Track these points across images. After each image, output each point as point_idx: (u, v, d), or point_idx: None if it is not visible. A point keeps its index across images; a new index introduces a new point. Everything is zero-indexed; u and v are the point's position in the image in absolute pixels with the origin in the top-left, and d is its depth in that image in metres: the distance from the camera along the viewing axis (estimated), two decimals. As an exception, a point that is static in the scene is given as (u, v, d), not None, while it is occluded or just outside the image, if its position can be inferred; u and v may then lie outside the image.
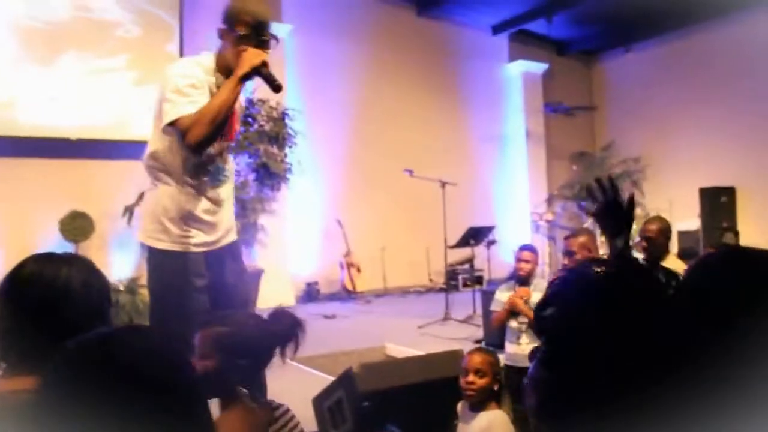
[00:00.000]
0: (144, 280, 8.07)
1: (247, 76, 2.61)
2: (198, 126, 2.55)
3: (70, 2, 8.11)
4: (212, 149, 2.74)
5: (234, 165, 2.98)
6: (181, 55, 8.50)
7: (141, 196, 7.72)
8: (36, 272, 1.51)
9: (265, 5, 2.76)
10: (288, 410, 2.06)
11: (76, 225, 7.85)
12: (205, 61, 2.76)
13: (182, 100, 2.59)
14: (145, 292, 7.72)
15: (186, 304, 2.72)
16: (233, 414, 1.91)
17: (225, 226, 2.87)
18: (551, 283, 0.98)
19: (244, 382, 1.95)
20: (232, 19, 2.69)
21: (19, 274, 1.52)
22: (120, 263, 8.24)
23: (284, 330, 2.01)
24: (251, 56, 2.60)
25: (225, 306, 2.75)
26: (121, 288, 7.91)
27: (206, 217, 2.79)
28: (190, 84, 2.63)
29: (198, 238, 2.77)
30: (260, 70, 2.61)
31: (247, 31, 2.65)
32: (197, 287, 2.73)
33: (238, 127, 2.92)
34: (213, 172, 2.81)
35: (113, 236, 8.21)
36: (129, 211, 7.91)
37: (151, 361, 1.02)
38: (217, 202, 2.82)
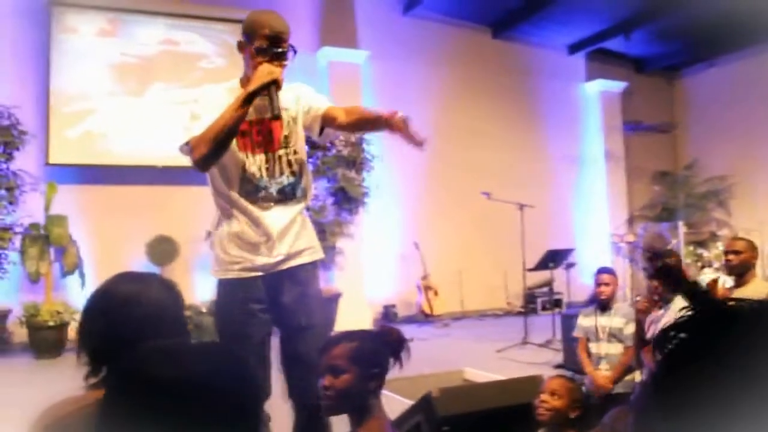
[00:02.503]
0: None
1: (254, 94, 2.56)
2: (200, 144, 2.58)
3: (158, 37, 8.52)
4: (252, 166, 2.69)
5: (307, 183, 2.84)
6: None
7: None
8: (134, 292, 1.57)
9: (281, 18, 2.71)
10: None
11: (162, 249, 8.15)
12: (233, 84, 2.78)
13: (195, 124, 2.65)
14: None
15: (232, 330, 2.73)
16: (374, 425, 1.98)
17: (284, 250, 2.72)
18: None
19: (375, 393, 2.02)
20: (248, 31, 2.68)
21: (115, 293, 1.58)
22: (203, 286, 8.48)
23: (396, 341, 2.09)
24: (262, 73, 2.56)
25: (286, 329, 2.76)
26: (204, 310, 8.13)
27: (254, 239, 2.70)
28: (202, 107, 2.69)
29: (246, 263, 2.71)
30: (268, 89, 2.57)
31: (263, 43, 2.62)
32: (249, 311, 2.70)
33: (290, 135, 2.78)
34: (262, 190, 2.70)
35: (196, 259, 8.46)
36: (211, 235, 8.14)
37: (222, 377, 1.05)
38: (270, 217, 2.70)
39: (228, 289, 2.76)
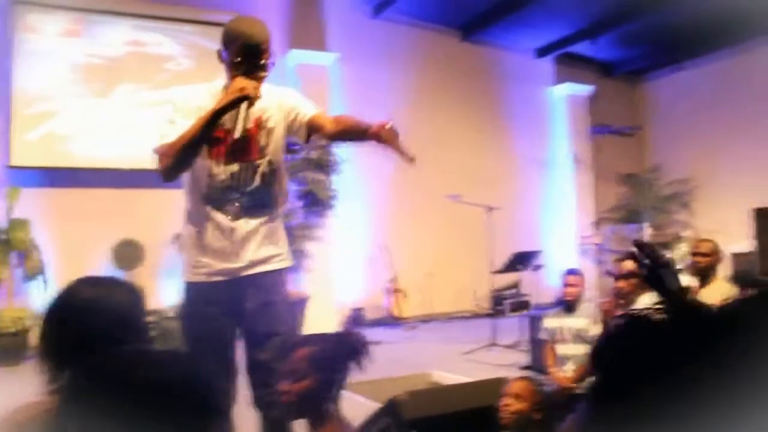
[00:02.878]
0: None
1: (222, 112, 2.50)
2: (165, 156, 2.56)
3: (125, 38, 8.41)
4: (221, 174, 2.65)
5: (279, 191, 2.80)
6: (229, 85, 8.70)
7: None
8: (95, 297, 1.55)
9: (261, 26, 2.60)
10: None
11: (128, 253, 8.04)
12: (216, 85, 2.71)
13: (168, 127, 2.61)
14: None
15: (196, 335, 2.73)
16: (334, 430, 1.97)
17: (248, 257, 2.70)
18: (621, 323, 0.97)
19: (333, 398, 2.01)
20: (225, 40, 2.61)
21: (76, 298, 1.56)
22: (169, 290, 8.39)
23: (357, 345, 2.08)
24: (233, 89, 2.49)
25: (249, 336, 2.74)
26: (170, 315, 8.04)
27: (218, 245, 2.68)
28: (177, 108, 2.64)
29: (210, 268, 2.70)
30: (239, 105, 2.50)
31: (239, 55, 2.54)
32: (212, 315, 2.69)
33: (268, 145, 2.72)
34: (229, 199, 2.68)
35: (162, 264, 8.37)
36: (178, 239, 8.06)
37: (181, 385, 1.06)
38: (235, 224, 2.68)
39: (192, 292, 2.76)
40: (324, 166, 8.44)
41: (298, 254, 8.23)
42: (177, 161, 2.55)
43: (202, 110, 2.56)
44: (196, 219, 2.73)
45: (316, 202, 8.34)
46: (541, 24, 10.58)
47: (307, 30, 9.46)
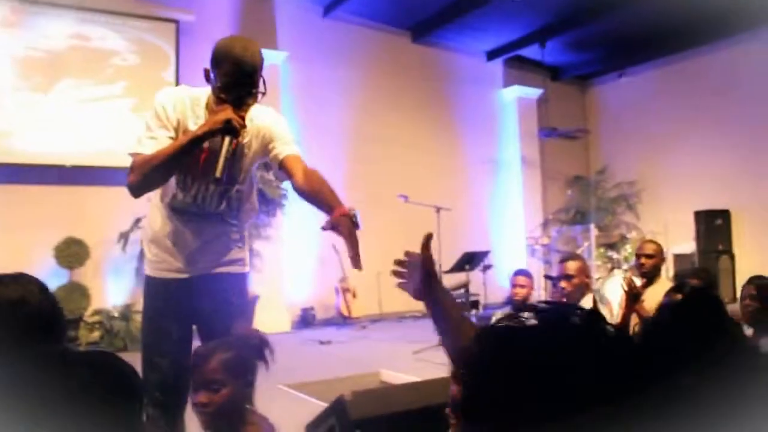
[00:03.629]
0: (137, 306, 8.07)
1: (201, 140, 2.40)
2: (136, 171, 2.47)
3: (69, 31, 8.18)
4: (189, 191, 2.62)
5: (245, 212, 2.80)
6: (177, 81, 8.56)
7: (136, 222, 7.76)
8: (9, 298, 1.52)
9: (253, 50, 2.45)
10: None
11: (71, 251, 7.84)
12: (199, 94, 2.60)
13: (145, 134, 2.52)
14: (138, 318, 7.70)
15: (153, 327, 2.74)
16: (252, 430, 1.94)
17: (203, 261, 2.70)
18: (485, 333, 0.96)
19: (251, 399, 1.98)
20: (213, 61, 2.46)
21: None
22: (115, 290, 8.23)
23: (260, 343, 2.05)
24: (215, 120, 2.37)
25: (203, 335, 2.73)
26: (116, 314, 7.90)
27: (176, 247, 2.68)
28: (155, 115, 2.53)
29: (165, 263, 2.71)
30: (219, 135, 2.37)
31: (227, 80, 2.41)
32: (168, 310, 2.69)
33: (239, 172, 2.67)
34: (192, 209, 2.67)
35: (108, 263, 8.20)
36: (124, 237, 7.91)
37: (100, 382, 1.06)
38: (194, 233, 2.68)
39: (151, 286, 2.77)
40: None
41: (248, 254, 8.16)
42: (147, 180, 2.48)
43: (180, 124, 2.51)
44: (160, 218, 2.71)
45: (265, 201, 8.27)
46: (491, 27, 10.69)
47: (257, 27, 9.36)
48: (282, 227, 8.93)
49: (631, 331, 3.90)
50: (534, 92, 12.10)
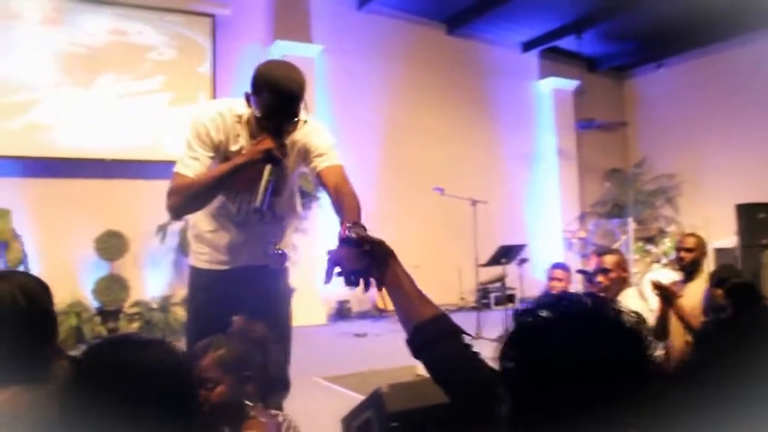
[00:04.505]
0: (176, 298, 8.17)
1: (241, 168, 2.41)
2: (176, 196, 2.50)
3: (108, 27, 8.30)
4: (233, 204, 2.69)
5: (289, 213, 2.87)
6: (213, 75, 8.64)
7: (174, 215, 7.85)
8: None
9: (294, 77, 2.39)
10: (287, 418, 2.08)
11: (111, 244, 7.97)
12: (241, 108, 2.55)
13: (187, 153, 2.53)
14: (176, 310, 7.80)
15: (197, 316, 2.82)
16: (253, 425, 1.92)
17: (246, 253, 2.76)
18: (510, 334, 0.99)
19: (251, 395, 1.97)
20: (254, 86, 2.40)
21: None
22: (153, 281, 8.34)
23: (260, 337, 2.04)
24: (257, 148, 2.37)
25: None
26: (154, 306, 8.01)
27: (224, 242, 2.76)
28: (197, 135, 2.53)
29: (212, 257, 2.79)
30: (260, 165, 2.37)
31: (266, 109, 2.37)
32: (210, 298, 2.77)
33: (285, 184, 2.73)
34: (239, 215, 2.73)
35: (147, 255, 8.31)
36: (162, 230, 8.02)
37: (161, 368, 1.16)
38: (238, 233, 2.74)
39: (196, 276, 2.86)
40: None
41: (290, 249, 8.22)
42: (186, 205, 2.55)
43: (222, 144, 2.54)
44: (205, 218, 2.78)
45: (301, 193, 8.29)
46: (527, 18, 10.58)
47: (293, 21, 9.40)
48: (317, 220, 8.96)
49: (670, 332, 3.84)
50: (570, 84, 11.96)
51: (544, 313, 0.95)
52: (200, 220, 2.81)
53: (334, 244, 1.95)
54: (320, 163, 2.63)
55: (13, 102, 7.79)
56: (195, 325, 2.81)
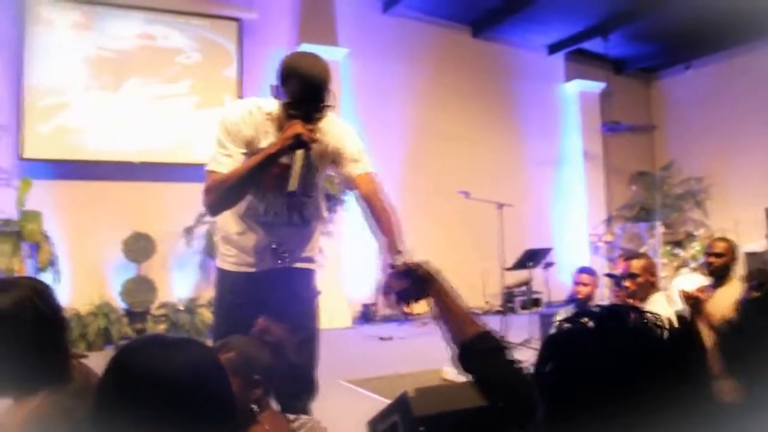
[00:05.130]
0: (202, 300, 8.23)
1: (276, 156, 2.44)
2: (212, 193, 2.52)
3: (136, 32, 8.41)
4: (261, 203, 2.68)
5: (315, 217, 2.86)
6: (240, 79, 8.70)
7: (200, 217, 7.92)
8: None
9: (320, 65, 2.44)
10: (308, 421, 2.06)
11: (139, 246, 8.05)
12: (269, 107, 2.58)
13: (219, 151, 2.54)
14: (203, 312, 7.86)
15: (225, 319, 2.81)
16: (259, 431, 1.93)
17: (273, 261, 2.76)
18: (548, 339, 0.99)
19: (260, 399, 1.96)
20: (281, 76, 2.45)
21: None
22: (180, 283, 8.41)
23: (275, 341, 2.03)
24: (289, 133, 2.39)
25: None
26: (181, 307, 8.07)
27: (250, 244, 2.75)
28: (228, 132, 2.54)
29: (239, 259, 2.78)
30: (292, 151, 2.41)
31: (295, 96, 2.41)
32: (235, 302, 2.76)
33: (312, 185, 2.71)
34: (266, 216, 2.73)
35: (173, 257, 8.39)
36: (189, 232, 8.09)
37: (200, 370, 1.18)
38: (266, 235, 2.74)
39: (223, 279, 2.86)
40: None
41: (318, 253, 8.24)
42: (223, 200, 2.56)
43: (253, 141, 2.55)
44: (233, 221, 2.78)
45: (327, 196, 8.32)
46: (552, 21, 10.52)
47: (318, 25, 9.44)
48: (343, 223, 8.97)
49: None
50: (597, 86, 11.87)
51: (585, 322, 0.95)
52: (228, 222, 2.81)
53: (380, 268, 2.02)
54: (354, 170, 2.67)
55: (44, 106, 7.92)
56: (222, 327, 2.80)
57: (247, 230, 2.76)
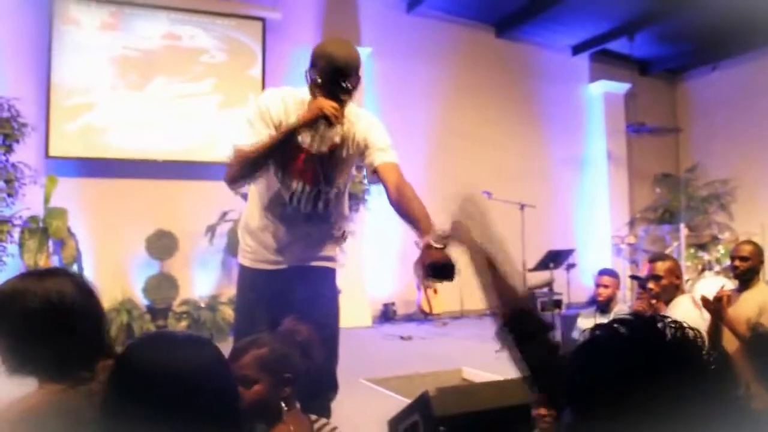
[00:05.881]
0: (223, 298, 8.27)
1: (298, 129, 2.51)
2: (234, 165, 2.57)
3: (161, 31, 8.49)
4: (287, 192, 2.71)
5: (339, 213, 2.90)
6: (263, 78, 8.75)
7: (223, 215, 7.97)
8: (19, 289, 1.54)
9: (347, 49, 2.57)
10: (327, 424, 2.06)
11: (162, 243, 8.12)
12: (302, 93, 2.67)
13: (247, 129, 2.60)
14: (224, 309, 7.91)
15: (245, 316, 2.85)
16: (283, 431, 1.93)
17: (293, 257, 2.79)
18: (577, 350, 0.98)
19: (288, 397, 1.96)
20: (312, 61, 2.58)
21: (3, 291, 1.55)
22: (202, 281, 8.47)
23: (306, 340, 2.03)
24: (312, 107, 2.50)
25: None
26: (203, 305, 8.13)
27: (271, 240, 2.77)
28: (259, 114, 2.61)
29: (259, 255, 2.80)
30: (316, 124, 2.51)
31: (322, 76, 2.51)
32: (254, 298, 2.80)
33: (336, 175, 2.76)
34: (290, 211, 2.76)
35: (196, 255, 8.45)
36: (211, 230, 8.15)
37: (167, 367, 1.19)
38: (288, 230, 2.77)
39: (244, 276, 2.90)
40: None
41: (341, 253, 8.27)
42: (245, 172, 2.59)
43: (272, 115, 2.60)
44: (257, 214, 2.81)
45: (349, 196, 8.34)
46: (577, 21, 10.45)
47: (342, 24, 9.46)
48: (364, 222, 8.99)
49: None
50: (621, 87, 11.77)
51: (620, 329, 0.94)
52: (251, 216, 2.84)
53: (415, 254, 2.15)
54: (378, 158, 2.70)
55: (71, 105, 8.02)
56: (242, 324, 2.84)
57: (269, 225, 2.78)
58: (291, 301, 2.76)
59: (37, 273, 1.63)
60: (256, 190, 2.81)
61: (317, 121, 2.48)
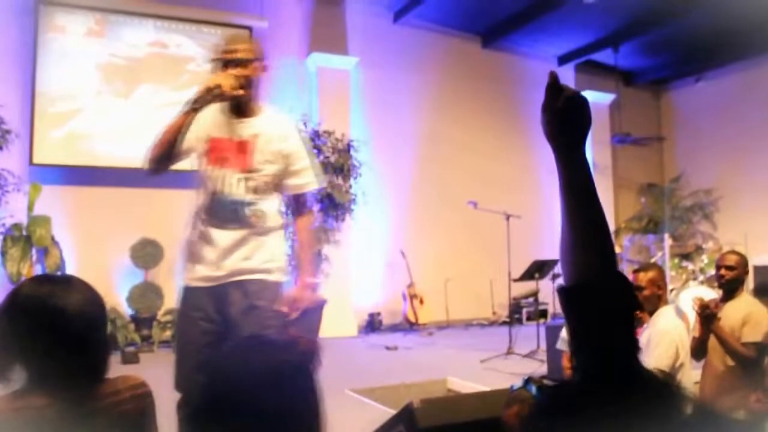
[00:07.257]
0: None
1: (192, 102, 2.69)
2: (150, 148, 2.75)
3: (147, 38, 8.46)
4: (210, 180, 2.82)
5: (270, 208, 2.87)
6: (250, 87, 8.73)
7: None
8: (32, 295, 1.54)
9: (241, 37, 3.02)
10: None
11: (146, 252, 8.07)
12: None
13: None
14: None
15: (184, 335, 2.85)
16: None
17: (230, 267, 2.78)
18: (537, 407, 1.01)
19: None
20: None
21: (17, 296, 1.54)
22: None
23: (306, 351, 2.01)
24: (206, 80, 2.72)
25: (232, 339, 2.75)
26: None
27: (208, 255, 2.80)
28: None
29: (198, 273, 2.81)
30: (208, 95, 2.67)
31: (217, 58, 2.81)
32: (192, 318, 2.79)
33: (250, 160, 2.81)
34: (221, 208, 2.80)
35: (181, 264, 8.39)
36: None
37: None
38: (220, 236, 2.79)
39: (182, 294, 2.89)
40: (343, 170, 8.44)
41: (315, 258, 8.24)
42: (155, 150, 2.74)
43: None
44: (191, 228, 2.89)
45: (334, 205, 8.33)
46: (563, 32, 10.53)
47: (328, 34, 9.47)
48: (350, 232, 8.98)
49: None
50: (606, 97, 11.85)
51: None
52: (188, 230, 2.90)
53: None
54: (291, 184, 2.92)
55: (56, 111, 7.97)
56: (180, 345, 2.87)
57: (203, 231, 2.82)
58: (225, 318, 2.77)
59: (62, 283, 1.62)
60: (194, 205, 2.90)
61: (212, 91, 2.64)
